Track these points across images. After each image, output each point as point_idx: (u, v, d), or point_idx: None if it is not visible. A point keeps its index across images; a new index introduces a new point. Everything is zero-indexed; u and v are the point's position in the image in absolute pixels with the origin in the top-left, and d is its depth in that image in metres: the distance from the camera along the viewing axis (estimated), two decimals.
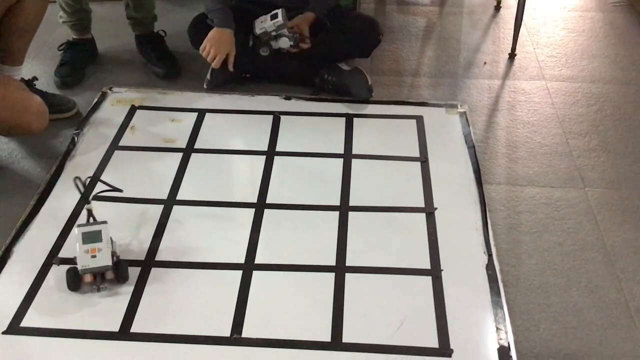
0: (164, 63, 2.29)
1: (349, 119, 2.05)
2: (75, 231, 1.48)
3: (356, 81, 2.13)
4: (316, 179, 1.81)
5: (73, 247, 1.55)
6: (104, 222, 1.48)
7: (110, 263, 1.45)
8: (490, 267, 1.53)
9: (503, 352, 1.34)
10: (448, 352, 1.34)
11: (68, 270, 1.45)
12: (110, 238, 1.48)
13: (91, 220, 1.52)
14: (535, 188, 1.82)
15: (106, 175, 1.81)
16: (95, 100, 2.13)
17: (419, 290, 1.47)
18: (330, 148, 1.92)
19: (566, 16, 2.74)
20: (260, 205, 1.71)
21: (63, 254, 1.56)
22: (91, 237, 1.45)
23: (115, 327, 1.38)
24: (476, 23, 2.69)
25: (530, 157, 1.93)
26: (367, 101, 2.13)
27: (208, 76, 2.19)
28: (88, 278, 1.44)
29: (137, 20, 2.32)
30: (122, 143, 1.94)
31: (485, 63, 2.41)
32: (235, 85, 2.22)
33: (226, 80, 2.21)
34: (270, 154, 1.90)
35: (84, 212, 1.57)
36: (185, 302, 1.44)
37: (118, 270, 1.46)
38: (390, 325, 1.39)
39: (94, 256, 1.44)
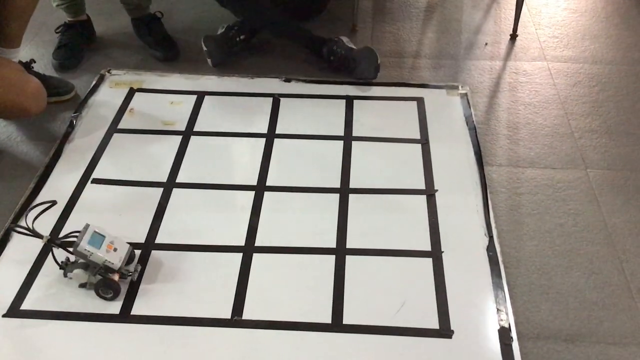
0: (162, 46, 2.27)
1: (349, 101, 2.03)
2: (86, 247, 1.37)
3: (366, 57, 2.10)
4: (316, 162, 1.80)
5: (74, 229, 1.56)
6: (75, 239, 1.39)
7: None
8: (491, 248, 1.53)
9: (504, 333, 1.34)
10: (449, 333, 1.34)
11: (101, 281, 1.39)
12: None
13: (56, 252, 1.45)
14: (536, 169, 1.81)
15: (105, 158, 1.80)
16: (94, 82, 2.12)
17: (420, 272, 1.47)
18: (330, 130, 1.91)
19: None
20: (260, 188, 1.70)
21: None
22: (95, 240, 1.39)
23: (115, 309, 1.38)
24: (477, 3, 2.66)
25: (532, 138, 1.92)
26: (367, 82, 2.11)
27: (204, 49, 2.18)
28: (116, 276, 1.40)
29: (132, 5, 2.29)
30: (120, 126, 1.93)
31: (486, 44, 2.39)
32: (238, 60, 2.21)
33: (222, 51, 2.20)
34: (270, 136, 1.89)
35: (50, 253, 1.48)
36: (186, 285, 1.44)
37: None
38: (390, 307, 1.39)
39: (115, 249, 1.40)
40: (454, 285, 1.44)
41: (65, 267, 1.41)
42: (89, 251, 1.35)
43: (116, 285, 1.39)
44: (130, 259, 1.44)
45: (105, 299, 1.40)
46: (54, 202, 1.44)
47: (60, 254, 1.41)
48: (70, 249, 1.38)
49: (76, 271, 1.39)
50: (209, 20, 2.52)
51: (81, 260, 1.39)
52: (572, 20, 2.54)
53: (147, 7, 2.32)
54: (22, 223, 1.39)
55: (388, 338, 1.33)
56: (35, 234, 1.38)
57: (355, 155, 1.81)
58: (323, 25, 2.37)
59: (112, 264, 1.37)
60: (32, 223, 1.38)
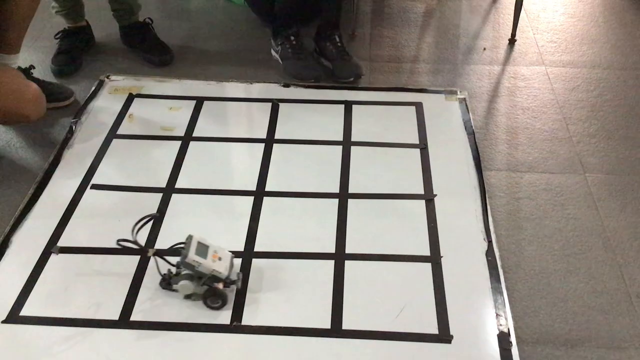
0: (157, 50, 2.28)
1: (348, 106, 2.04)
2: (193, 257, 1.35)
3: (349, 69, 2.15)
4: (315, 167, 1.80)
5: (74, 236, 1.56)
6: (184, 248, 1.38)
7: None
8: (490, 253, 1.53)
9: (503, 338, 1.34)
10: (448, 338, 1.34)
11: (208, 291, 1.38)
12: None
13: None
14: (535, 174, 1.81)
15: (104, 163, 1.80)
16: (93, 88, 2.12)
17: (419, 277, 1.47)
18: (329, 135, 1.91)
19: (566, 1, 2.72)
20: (259, 193, 1.71)
21: (62, 242, 1.55)
22: (201, 250, 1.38)
23: (115, 315, 1.38)
24: (476, 8, 2.67)
25: (530, 143, 1.92)
26: (366, 88, 2.12)
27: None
28: (221, 285, 1.39)
29: (122, 12, 2.30)
30: (120, 131, 1.93)
31: (484, 49, 2.39)
32: (237, 65, 2.21)
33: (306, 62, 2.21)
34: (269, 141, 1.89)
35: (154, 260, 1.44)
36: None
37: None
38: (390, 312, 1.39)
39: (220, 258, 1.39)
40: (453, 290, 1.44)
41: (170, 279, 1.40)
42: (197, 262, 1.34)
43: (224, 294, 1.38)
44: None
45: (213, 308, 1.39)
46: (155, 215, 1.42)
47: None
48: (172, 261, 1.39)
49: (183, 282, 1.37)
50: (205, 26, 2.53)
51: (186, 272, 1.38)
52: (570, 25, 2.55)
53: (137, 13, 2.32)
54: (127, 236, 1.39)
55: (387, 343, 1.33)
56: (140, 248, 1.38)
57: (354, 160, 1.81)
58: (309, 30, 2.37)
59: (220, 273, 1.37)
60: (135, 236, 1.38)
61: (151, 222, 1.59)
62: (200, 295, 1.39)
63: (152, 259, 1.43)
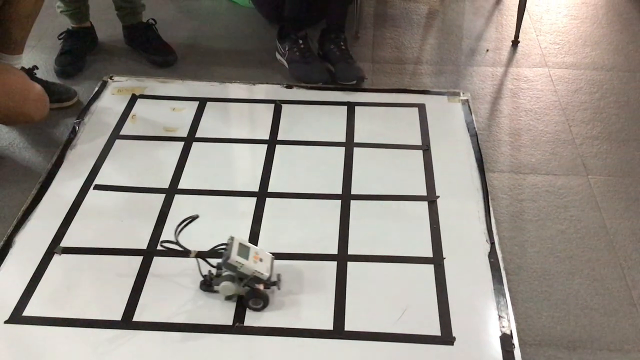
0: (161, 51, 2.28)
1: (351, 107, 2.04)
2: (236, 258, 1.35)
3: (350, 72, 2.15)
4: (318, 168, 1.80)
5: (77, 236, 1.56)
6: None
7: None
8: (492, 255, 1.53)
9: (505, 339, 1.34)
10: (450, 340, 1.34)
11: (250, 293, 1.38)
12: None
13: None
14: (537, 176, 1.81)
15: (107, 164, 1.80)
16: (96, 89, 2.13)
17: (421, 278, 1.47)
18: (331, 136, 1.91)
19: (569, 3, 2.72)
20: (262, 194, 1.71)
21: (65, 243, 1.56)
22: (243, 251, 1.38)
23: (117, 316, 1.38)
24: (478, 10, 2.67)
25: (533, 144, 1.92)
26: (368, 89, 2.12)
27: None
28: (262, 286, 1.39)
29: (126, 11, 2.30)
30: (123, 132, 1.93)
31: (487, 50, 2.39)
32: (240, 66, 2.21)
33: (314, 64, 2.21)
34: (272, 142, 1.89)
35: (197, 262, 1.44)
36: (188, 291, 1.44)
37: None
38: (392, 313, 1.39)
39: (261, 259, 1.39)
40: (456, 291, 1.44)
41: (211, 280, 1.41)
42: (239, 263, 1.34)
43: (265, 295, 1.38)
44: None
45: (255, 309, 1.39)
46: (196, 216, 1.41)
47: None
48: (213, 263, 1.39)
49: (224, 284, 1.37)
50: (208, 27, 2.53)
51: (227, 273, 1.38)
52: (573, 26, 2.55)
53: (141, 13, 2.33)
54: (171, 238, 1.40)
55: (390, 345, 1.33)
56: (183, 249, 1.38)
57: (357, 162, 1.81)
58: (313, 32, 2.37)
59: (262, 274, 1.36)
60: (177, 237, 1.37)
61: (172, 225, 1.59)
62: (241, 297, 1.39)
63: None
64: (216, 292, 1.41)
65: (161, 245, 1.39)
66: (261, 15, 2.55)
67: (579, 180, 1.80)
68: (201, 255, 1.41)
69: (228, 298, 1.41)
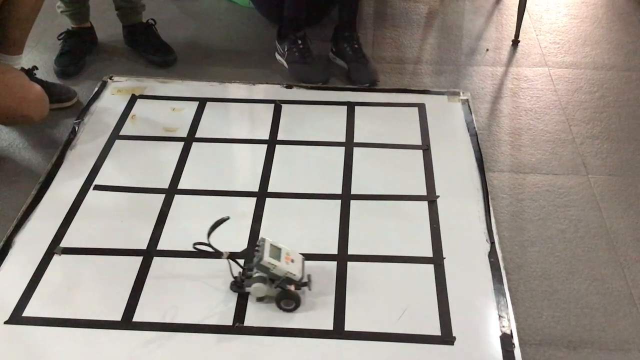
0: (160, 51, 2.28)
1: (351, 107, 2.04)
2: (267, 259, 1.35)
3: (364, 73, 2.16)
4: (318, 168, 1.80)
5: (76, 237, 1.56)
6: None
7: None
8: (492, 254, 1.53)
9: (505, 339, 1.34)
10: (450, 339, 1.33)
11: (282, 294, 1.38)
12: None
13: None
14: (538, 175, 1.81)
15: (107, 164, 1.80)
16: (96, 89, 2.12)
17: (421, 278, 1.47)
18: (331, 136, 1.91)
19: (569, 2, 2.71)
20: (262, 194, 1.71)
21: (65, 243, 1.56)
22: (274, 253, 1.38)
23: (117, 316, 1.38)
24: (478, 9, 2.67)
25: (533, 144, 1.92)
26: (368, 89, 2.12)
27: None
28: (293, 287, 1.38)
29: (126, 11, 2.30)
30: (123, 132, 1.93)
31: (487, 50, 2.39)
32: (239, 66, 2.21)
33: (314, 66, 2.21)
34: (272, 142, 1.89)
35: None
36: (188, 291, 1.44)
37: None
38: (392, 313, 1.39)
39: (292, 260, 1.39)
40: (456, 291, 1.44)
41: (242, 281, 1.40)
42: (272, 264, 1.34)
43: (297, 296, 1.38)
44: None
45: (287, 310, 1.39)
46: (227, 217, 1.42)
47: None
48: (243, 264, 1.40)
49: (256, 285, 1.37)
50: (208, 27, 2.53)
51: (259, 274, 1.38)
52: (573, 26, 2.55)
53: (141, 13, 2.33)
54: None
55: (390, 345, 1.33)
56: (215, 251, 1.38)
57: (357, 162, 1.81)
58: (324, 31, 2.38)
59: (294, 275, 1.36)
60: (208, 239, 1.37)
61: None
62: (273, 298, 1.39)
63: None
64: (247, 293, 1.40)
65: (194, 247, 1.39)
66: (261, 15, 2.55)
67: (579, 179, 1.79)
68: (233, 256, 1.40)
69: (259, 299, 1.40)
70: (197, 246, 1.38)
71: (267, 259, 1.34)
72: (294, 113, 2.02)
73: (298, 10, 2.20)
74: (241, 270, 1.41)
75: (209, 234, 1.38)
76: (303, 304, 1.40)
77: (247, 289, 1.40)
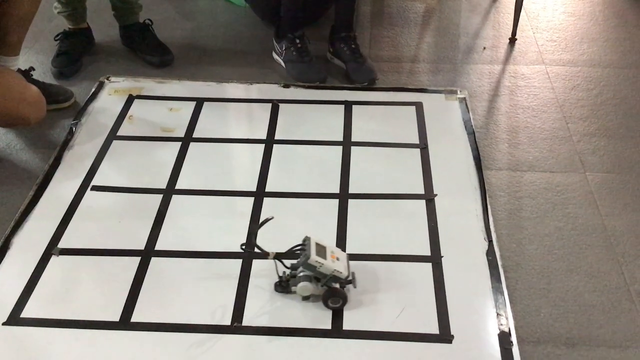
0: (157, 51, 2.28)
1: (348, 106, 2.04)
2: (314, 258, 1.34)
3: (363, 73, 2.16)
4: (315, 167, 1.80)
5: (74, 237, 1.56)
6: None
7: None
8: (490, 253, 1.53)
9: (504, 337, 1.34)
10: (449, 338, 1.33)
11: (328, 292, 1.38)
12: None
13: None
14: (535, 173, 1.81)
15: (105, 165, 1.80)
16: (93, 90, 2.12)
17: (419, 277, 1.47)
18: (329, 135, 1.91)
19: (566, 0, 2.72)
20: (260, 194, 1.70)
21: (62, 244, 1.55)
22: (320, 251, 1.37)
23: (115, 317, 1.38)
24: (475, 8, 2.67)
25: (531, 142, 1.92)
26: (366, 88, 2.12)
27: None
28: (338, 284, 1.38)
29: (123, 10, 2.30)
30: (120, 133, 1.93)
31: (484, 48, 2.39)
32: (236, 65, 2.21)
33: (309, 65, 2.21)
34: (269, 142, 1.89)
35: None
36: (186, 291, 1.44)
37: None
38: (390, 312, 1.39)
39: (338, 258, 1.38)
40: (454, 290, 1.44)
41: (288, 281, 1.40)
42: (319, 262, 1.34)
43: (344, 294, 1.38)
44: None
45: (333, 309, 1.38)
46: (271, 217, 1.42)
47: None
48: (287, 264, 1.40)
49: (302, 284, 1.37)
50: (205, 27, 2.53)
51: (304, 273, 1.37)
52: (570, 23, 2.55)
53: (138, 13, 2.33)
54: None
55: (388, 344, 1.33)
56: (262, 252, 1.38)
57: (354, 161, 1.81)
58: (321, 30, 2.38)
59: (340, 273, 1.36)
60: (255, 240, 1.38)
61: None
62: (318, 297, 1.39)
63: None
64: (293, 292, 1.40)
65: (241, 248, 1.39)
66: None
67: (576, 177, 1.80)
68: (279, 256, 1.40)
69: (305, 298, 1.40)
70: (244, 247, 1.38)
71: (314, 257, 1.33)
72: (291, 112, 2.02)
73: (296, 10, 2.20)
74: (286, 270, 1.41)
75: (255, 235, 1.38)
76: (303, 303, 1.40)
77: (293, 289, 1.39)
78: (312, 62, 2.19)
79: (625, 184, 1.77)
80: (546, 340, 1.37)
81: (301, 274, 1.38)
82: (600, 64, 2.29)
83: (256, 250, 1.39)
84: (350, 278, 1.39)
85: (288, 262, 1.42)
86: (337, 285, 1.38)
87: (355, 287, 1.40)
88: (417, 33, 2.51)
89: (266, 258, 1.40)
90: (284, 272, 1.42)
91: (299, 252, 1.39)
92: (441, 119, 1.99)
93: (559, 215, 1.67)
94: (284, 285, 1.41)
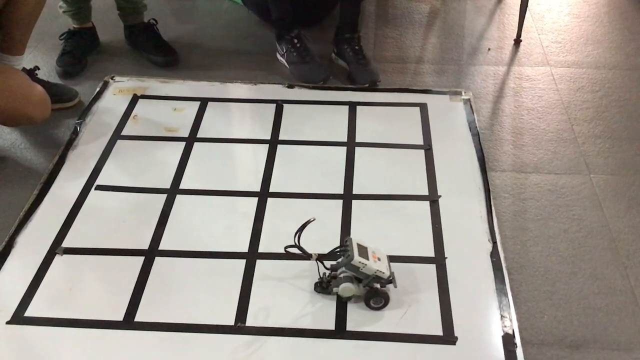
0: (162, 51, 2.29)
1: (352, 107, 2.03)
2: (357, 259, 1.34)
3: (365, 75, 2.16)
4: (319, 168, 1.80)
5: (78, 237, 1.56)
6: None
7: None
8: (494, 254, 1.53)
9: (507, 339, 1.34)
10: (452, 339, 1.33)
11: (371, 292, 1.38)
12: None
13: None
14: (540, 175, 1.81)
15: (109, 164, 1.80)
16: (97, 89, 2.13)
17: (423, 278, 1.47)
18: (333, 136, 1.91)
19: (571, 1, 2.71)
20: (264, 194, 1.70)
21: (66, 243, 1.56)
22: (362, 251, 1.37)
23: (119, 316, 1.38)
24: (480, 9, 2.67)
25: (535, 143, 1.92)
26: (370, 89, 2.12)
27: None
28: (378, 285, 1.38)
29: (128, 11, 2.30)
30: (124, 132, 1.93)
31: (489, 49, 2.39)
32: (240, 66, 2.21)
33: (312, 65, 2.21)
34: (273, 142, 1.89)
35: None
36: (189, 291, 1.44)
37: None
38: (394, 313, 1.39)
39: (379, 259, 1.38)
40: (458, 291, 1.43)
41: (329, 282, 1.40)
42: (362, 263, 1.33)
43: (386, 294, 1.38)
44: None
45: (375, 309, 1.39)
46: (313, 219, 1.42)
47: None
48: (327, 265, 1.40)
49: (344, 285, 1.36)
50: (209, 27, 2.53)
51: (345, 274, 1.37)
52: (575, 25, 2.54)
53: (143, 13, 2.33)
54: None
55: (391, 345, 1.33)
56: (304, 253, 1.39)
57: (359, 161, 1.81)
58: (326, 31, 2.38)
59: (383, 273, 1.36)
60: (298, 241, 1.38)
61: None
62: (360, 297, 1.39)
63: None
64: (333, 294, 1.40)
65: (285, 251, 1.39)
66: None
67: (581, 179, 1.79)
68: (321, 258, 1.40)
69: (347, 299, 1.40)
70: (288, 249, 1.39)
71: (357, 258, 1.33)
72: (295, 113, 2.02)
73: (283, 10, 2.20)
74: (326, 271, 1.41)
75: (297, 236, 1.38)
76: (306, 304, 1.40)
77: (335, 290, 1.39)
78: (314, 61, 2.20)
79: (630, 186, 1.77)
80: (550, 342, 1.36)
81: (342, 275, 1.38)
82: (606, 66, 2.29)
83: (298, 251, 1.38)
84: (391, 278, 1.38)
85: (327, 263, 1.41)
86: (378, 286, 1.37)
87: (395, 286, 1.39)
88: (422, 34, 2.50)
89: (309, 259, 1.40)
90: (324, 273, 1.41)
91: (340, 253, 1.38)
92: (446, 120, 1.98)
93: (563, 217, 1.67)
94: (324, 286, 1.41)
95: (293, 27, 2.22)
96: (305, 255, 1.39)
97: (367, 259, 1.34)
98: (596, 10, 2.64)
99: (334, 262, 1.41)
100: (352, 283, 1.37)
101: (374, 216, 1.64)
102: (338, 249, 1.40)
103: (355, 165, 1.80)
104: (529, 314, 1.42)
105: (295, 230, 1.39)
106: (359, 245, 1.37)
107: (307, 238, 1.56)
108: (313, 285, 1.43)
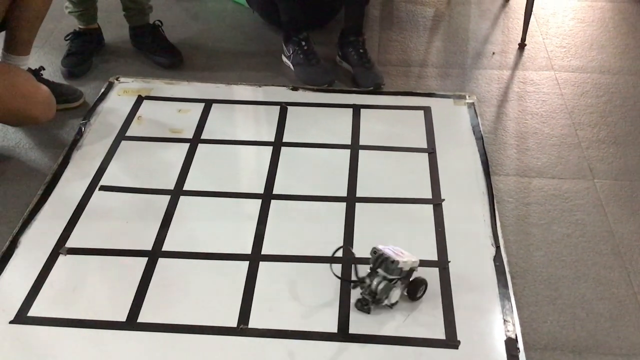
0: (167, 52, 2.29)
1: (356, 109, 2.04)
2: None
3: (369, 78, 2.16)
4: (323, 170, 1.80)
5: (82, 237, 1.56)
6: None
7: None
8: (497, 258, 1.53)
9: (510, 344, 1.33)
10: (455, 343, 1.33)
11: (411, 285, 1.40)
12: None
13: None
14: (543, 179, 1.80)
15: (113, 165, 1.81)
16: (102, 90, 2.13)
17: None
18: (337, 139, 1.91)
19: (576, 6, 2.71)
20: (267, 196, 1.71)
21: (70, 243, 1.56)
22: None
23: (122, 317, 1.39)
24: (485, 13, 2.67)
25: (539, 148, 1.92)
26: (374, 92, 2.12)
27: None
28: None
29: (134, 11, 2.31)
30: (129, 133, 1.94)
31: (493, 53, 2.39)
32: (245, 67, 2.21)
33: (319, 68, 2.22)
34: (277, 144, 1.89)
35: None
36: (192, 293, 1.44)
37: None
38: (397, 316, 1.39)
39: (402, 252, 1.38)
40: (461, 295, 1.43)
41: (374, 299, 1.38)
42: (403, 262, 1.34)
43: (422, 279, 1.40)
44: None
45: (419, 298, 1.40)
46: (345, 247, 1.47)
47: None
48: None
49: (394, 291, 1.36)
50: (214, 29, 2.54)
51: (382, 285, 1.35)
52: (580, 30, 2.54)
53: (148, 14, 2.34)
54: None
55: (394, 348, 1.33)
56: (359, 280, 1.38)
57: (362, 164, 1.81)
58: (330, 34, 2.38)
59: (415, 262, 1.38)
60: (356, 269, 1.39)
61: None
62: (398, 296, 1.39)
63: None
64: (389, 305, 1.39)
65: (334, 275, 1.40)
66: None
67: (585, 184, 1.79)
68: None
69: (393, 305, 1.39)
70: (336, 274, 1.40)
71: (397, 258, 1.34)
72: (299, 115, 2.02)
73: (293, 12, 2.20)
74: (359, 289, 1.39)
75: (331, 265, 1.41)
76: (309, 306, 1.40)
77: (386, 302, 1.38)
78: (319, 64, 2.20)
79: (633, 191, 1.77)
80: (553, 347, 1.36)
81: (380, 285, 1.35)
82: (610, 71, 2.29)
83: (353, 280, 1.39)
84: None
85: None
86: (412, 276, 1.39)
87: (416, 270, 1.40)
88: (426, 37, 2.51)
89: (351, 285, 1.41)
90: (361, 293, 1.38)
91: (374, 263, 1.37)
92: (449, 124, 1.98)
93: (566, 222, 1.67)
94: (365, 303, 1.38)
95: (302, 29, 2.22)
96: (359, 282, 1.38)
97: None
98: (601, 15, 2.64)
99: (360, 276, 1.38)
100: (395, 286, 1.37)
101: (377, 219, 1.64)
102: (339, 248, 1.41)
103: (359, 168, 1.80)
104: (532, 319, 1.42)
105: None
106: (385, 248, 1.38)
107: (310, 240, 1.57)
108: (353, 305, 1.40)
